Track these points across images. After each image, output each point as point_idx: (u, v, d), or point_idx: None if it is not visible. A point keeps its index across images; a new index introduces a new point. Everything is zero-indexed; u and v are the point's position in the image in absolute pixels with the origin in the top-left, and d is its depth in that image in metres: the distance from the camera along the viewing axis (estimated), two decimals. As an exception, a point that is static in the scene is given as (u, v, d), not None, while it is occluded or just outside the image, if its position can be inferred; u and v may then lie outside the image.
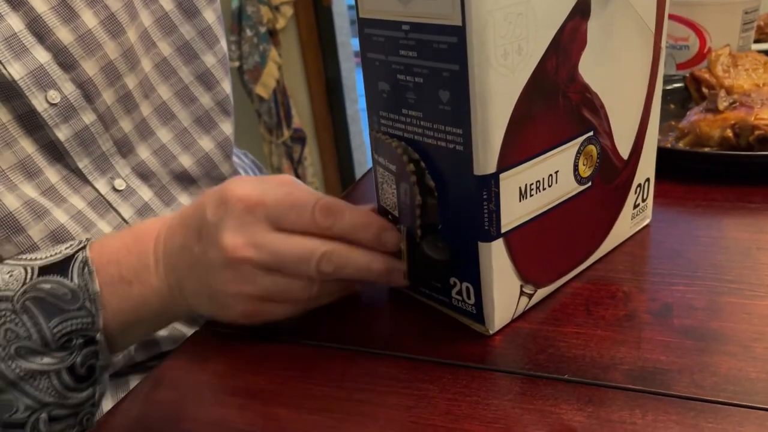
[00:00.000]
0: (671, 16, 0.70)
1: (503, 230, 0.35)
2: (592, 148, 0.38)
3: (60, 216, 0.49)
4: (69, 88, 0.48)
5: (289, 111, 2.22)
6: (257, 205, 0.36)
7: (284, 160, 2.24)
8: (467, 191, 0.34)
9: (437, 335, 0.38)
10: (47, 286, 0.37)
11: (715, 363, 0.33)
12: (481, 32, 0.30)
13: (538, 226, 0.36)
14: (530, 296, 0.38)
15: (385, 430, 0.31)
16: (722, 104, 0.53)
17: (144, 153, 0.55)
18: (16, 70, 0.45)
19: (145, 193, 0.55)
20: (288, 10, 2.12)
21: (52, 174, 0.49)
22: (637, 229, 0.46)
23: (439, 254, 0.35)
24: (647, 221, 0.46)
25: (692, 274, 0.40)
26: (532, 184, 0.35)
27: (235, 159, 0.66)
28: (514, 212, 0.35)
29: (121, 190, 0.53)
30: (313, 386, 0.35)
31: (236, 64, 2.10)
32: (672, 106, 0.66)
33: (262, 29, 2.07)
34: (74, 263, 0.38)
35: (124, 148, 0.53)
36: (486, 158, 0.32)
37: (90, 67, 0.49)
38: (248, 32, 2.08)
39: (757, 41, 0.78)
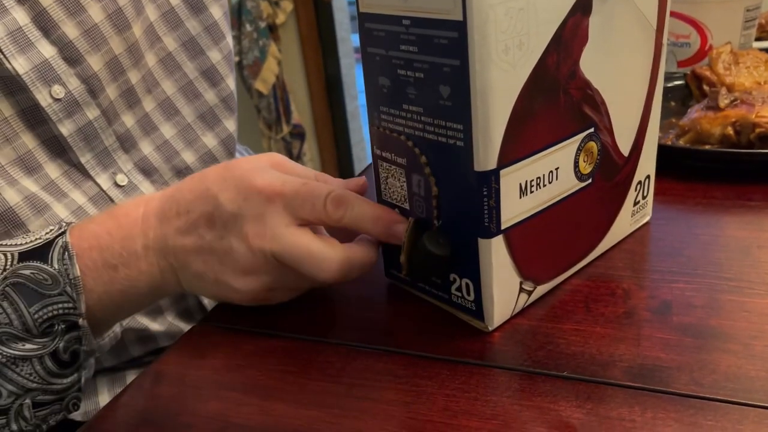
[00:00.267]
0: (672, 14, 0.70)
1: (503, 227, 0.34)
2: (593, 145, 0.38)
3: (60, 211, 0.48)
4: (74, 83, 0.48)
5: (288, 106, 2.21)
6: (276, 196, 0.37)
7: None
8: (467, 187, 0.33)
9: (436, 331, 0.38)
10: (27, 272, 0.37)
11: (714, 361, 0.33)
12: (482, 27, 0.30)
13: (538, 223, 0.36)
14: (530, 293, 0.38)
15: (383, 426, 0.31)
16: (723, 102, 0.53)
17: (147, 148, 0.55)
18: (20, 65, 0.45)
19: (147, 189, 0.55)
20: (288, 6, 2.11)
21: (53, 169, 0.49)
22: (637, 226, 0.45)
23: (440, 249, 0.35)
24: (647, 218, 0.46)
25: (692, 271, 0.40)
26: (533, 180, 0.35)
27: (237, 156, 0.65)
28: (514, 209, 0.35)
29: (123, 186, 0.53)
30: (311, 382, 0.35)
31: (236, 59, 2.09)
32: (672, 103, 0.66)
33: (262, 24, 2.07)
34: (54, 248, 0.38)
35: (127, 143, 0.53)
36: (486, 154, 0.32)
37: (95, 62, 0.49)
38: (248, 27, 2.07)
39: (758, 39, 0.78)
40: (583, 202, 0.39)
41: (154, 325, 0.55)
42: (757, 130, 0.51)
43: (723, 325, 0.35)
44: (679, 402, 0.31)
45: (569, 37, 0.34)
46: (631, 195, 0.43)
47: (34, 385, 0.38)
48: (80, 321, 0.38)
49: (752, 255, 0.41)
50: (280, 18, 2.10)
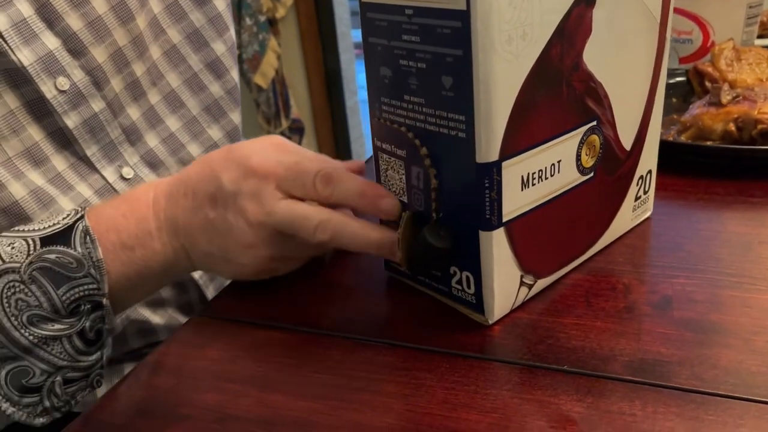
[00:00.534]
0: (675, 10, 0.70)
1: (504, 219, 0.34)
2: (595, 138, 0.38)
3: (66, 204, 0.48)
4: (78, 75, 0.48)
5: (287, 101, 2.21)
6: (271, 175, 0.39)
7: (282, 150, 2.23)
8: (469, 179, 0.33)
9: (435, 325, 0.37)
10: (52, 256, 0.38)
11: (715, 355, 0.33)
12: (486, 17, 0.30)
13: (539, 216, 0.36)
14: (530, 287, 0.38)
15: (382, 418, 0.31)
16: (725, 98, 0.53)
17: (152, 141, 0.55)
18: (25, 56, 0.45)
19: None
20: (288, 0, 2.10)
21: (59, 161, 0.49)
22: (638, 221, 0.45)
23: (441, 242, 0.35)
24: (648, 214, 0.46)
25: (693, 267, 0.40)
26: (535, 173, 0.35)
27: None
28: (515, 201, 0.34)
29: (129, 179, 0.53)
30: (310, 374, 0.35)
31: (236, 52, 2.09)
32: (674, 100, 0.65)
33: (262, 18, 2.06)
34: (75, 233, 0.39)
35: (133, 136, 0.53)
36: (489, 146, 0.32)
37: (99, 54, 0.49)
38: (248, 21, 2.06)
39: (760, 36, 0.78)
40: (584, 196, 0.39)
41: (155, 318, 0.55)
42: (759, 127, 0.51)
43: (724, 320, 0.35)
44: (680, 396, 0.30)
45: (573, 29, 0.34)
46: (633, 190, 0.43)
47: (64, 363, 0.39)
48: (104, 301, 0.40)
49: (753, 251, 0.41)
50: (280, 12, 2.10)
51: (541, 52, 0.32)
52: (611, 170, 0.40)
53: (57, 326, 0.38)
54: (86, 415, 0.34)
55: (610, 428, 0.29)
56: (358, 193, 0.38)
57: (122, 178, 0.52)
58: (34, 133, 0.47)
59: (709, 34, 0.70)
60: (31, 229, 0.39)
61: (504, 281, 0.36)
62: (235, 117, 0.61)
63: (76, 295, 0.38)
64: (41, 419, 0.40)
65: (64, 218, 0.40)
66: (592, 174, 0.39)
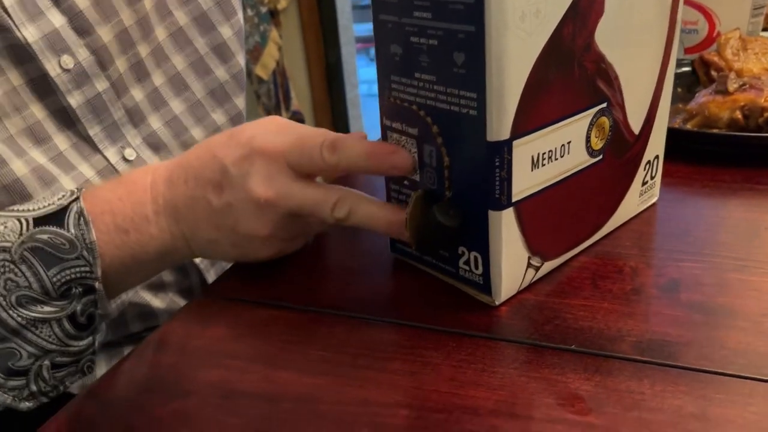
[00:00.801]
0: None
1: (514, 199, 0.34)
2: (605, 120, 0.38)
3: (68, 183, 0.48)
4: (83, 54, 0.47)
5: (288, 93, 2.20)
6: (278, 154, 0.38)
7: (282, 142, 2.23)
8: (479, 158, 0.33)
9: (441, 304, 0.37)
10: (44, 236, 0.37)
11: (723, 337, 0.33)
12: (500, -8, 0.29)
13: (548, 197, 0.36)
14: (537, 269, 0.38)
15: (389, 395, 0.31)
16: (732, 86, 0.53)
17: (156, 123, 0.54)
18: (30, 33, 0.45)
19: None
20: (290, -9, 2.10)
21: (62, 141, 0.48)
22: (645, 206, 0.45)
23: (450, 221, 0.35)
24: (654, 199, 0.46)
25: (699, 251, 0.40)
26: (545, 153, 0.35)
27: None
28: (525, 181, 0.34)
29: (131, 160, 0.52)
30: (315, 352, 0.35)
31: (236, 43, 2.08)
32: (679, 89, 0.65)
33: (263, 9, 2.05)
34: (69, 214, 0.38)
35: (136, 117, 0.53)
36: (500, 124, 0.32)
37: (105, 33, 0.48)
38: (249, 12, 2.06)
39: (765, 29, 0.77)
40: (593, 178, 0.38)
41: (156, 301, 0.55)
42: (766, 114, 0.51)
43: (732, 303, 0.35)
44: (688, 376, 0.30)
45: (585, 8, 0.34)
46: (640, 174, 0.43)
47: (53, 346, 0.38)
48: (97, 284, 0.39)
49: (760, 236, 0.41)
50: (282, 3, 2.09)
51: (554, 31, 0.32)
52: (620, 153, 0.40)
53: (47, 308, 0.37)
54: (89, 390, 0.34)
55: (618, 406, 0.29)
56: (367, 153, 0.37)
57: (124, 159, 0.52)
58: (37, 112, 0.47)
59: (714, 25, 0.70)
60: (25, 208, 0.39)
61: (512, 262, 0.36)
62: (240, 102, 0.61)
63: (68, 277, 0.38)
64: (27, 403, 0.39)
65: (59, 199, 0.39)
66: (600, 157, 0.38)
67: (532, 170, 0.34)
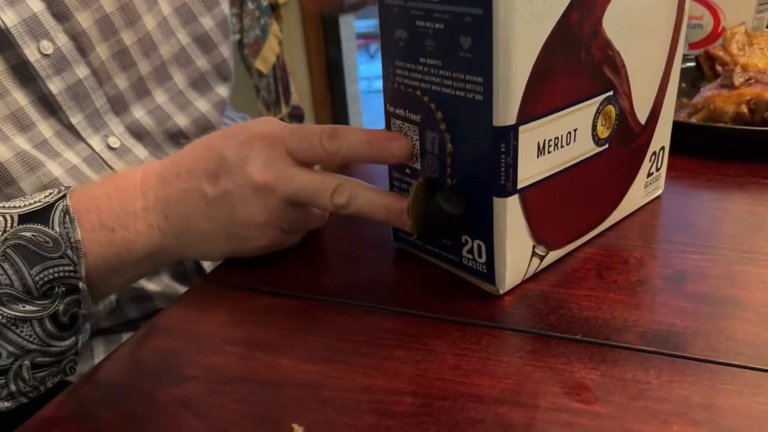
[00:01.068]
0: (686, -6, 0.69)
1: (519, 186, 0.34)
2: (611, 109, 0.37)
3: (54, 169, 0.47)
4: (62, 40, 0.47)
5: (288, 87, 2.19)
6: (277, 139, 0.38)
7: (282, 137, 2.22)
8: (485, 144, 0.33)
9: (445, 294, 0.37)
10: (28, 234, 0.37)
11: (730, 328, 0.32)
12: (509, -26, 0.29)
13: (553, 186, 0.35)
14: (542, 258, 0.37)
15: (392, 382, 0.30)
16: (738, 80, 0.53)
17: (138, 112, 0.54)
18: (9, 18, 0.44)
19: (140, 152, 0.54)
20: (291, -15, 2.09)
21: (45, 128, 0.48)
22: (650, 199, 0.45)
23: (454, 208, 0.34)
24: (659, 192, 0.46)
25: (705, 243, 0.40)
26: (551, 140, 0.34)
27: (227, 121, 0.65)
28: (531, 168, 0.34)
29: (116, 148, 0.52)
30: (317, 339, 0.34)
31: (237, 37, 2.07)
32: (683, 84, 0.65)
33: (264, 2, 2.04)
34: (55, 211, 0.38)
35: (118, 105, 0.52)
36: (506, 109, 0.31)
37: (84, 19, 0.48)
38: (250, 5, 2.05)
39: (769, 26, 0.77)
40: (598, 167, 0.38)
41: (150, 285, 0.55)
42: (772, 109, 0.50)
43: (738, 294, 0.35)
44: (695, 366, 0.30)
45: (594, -6, 0.33)
46: (646, 165, 0.43)
47: (34, 346, 0.38)
48: (80, 284, 0.38)
49: (766, 229, 0.41)
50: (283, -3, 2.08)
51: (562, 15, 0.32)
52: (626, 143, 0.40)
53: (28, 307, 0.37)
54: (89, 374, 0.34)
55: (624, 395, 0.29)
56: (366, 141, 0.37)
57: (109, 147, 0.51)
58: (19, 98, 0.46)
59: (719, 20, 0.69)
60: (11, 205, 0.38)
61: (516, 251, 0.35)
62: (222, 91, 0.60)
63: (50, 276, 0.37)
64: (6, 403, 0.38)
65: (46, 196, 0.39)
66: (606, 146, 0.38)
67: (537, 157, 0.34)
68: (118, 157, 0.52)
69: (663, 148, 0.44)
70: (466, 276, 0.38)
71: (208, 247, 0.41)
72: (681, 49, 0.42)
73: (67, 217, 0.37)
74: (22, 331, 0.37)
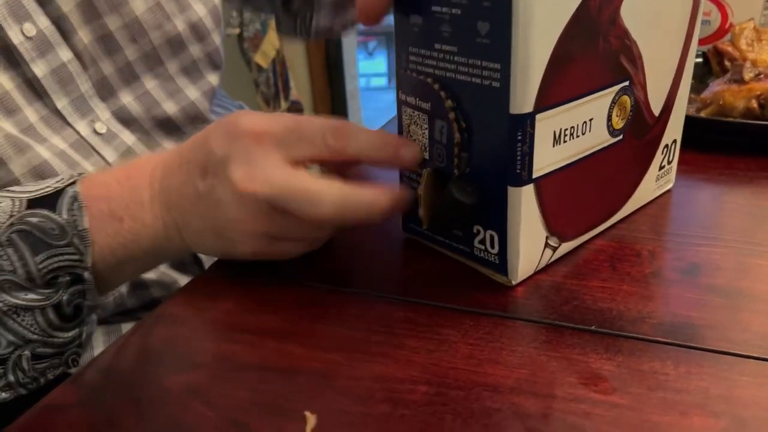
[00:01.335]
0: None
1: (535, 175, 0.33)
2: (627, 99, 0.37)
3: (42, 152, 0.47)
4: (44, 22, 0.47)
5: (287, 82, 2.19)
6: (265, 135, 0.34)
7: (280, 132, 2.21)
8: (501, 131, 0.32)
9: (456, 284, 0.37)
10: (34, 219, 0.36)
11: (746, 320, 0.32)
12: (530, -42, 0.28)
13: (568, 176, 0.35)
14: (554, 249, 0.37)
15: (406, 371, 0.30)
16: (748, 75, 0.52)
17: (126, 98, 0.53)
18: None
19: (128, 138, 0.53)
20: (292, -20, 2.08)
21: (31, 113, 0.47)
22: (661, 192, 0.45)
23: (467, 197, 0.34)
24: (670, 185, 0.45)
25: (718, 236, 0.39)
26: (567, 129, 0.34)
27: (219, 110, 0.64)
28: (546, 157, 0.33)
29: (102, 134, 0.51)
30: (328, 327, 0.34)
31: (236, 31, 2.06)
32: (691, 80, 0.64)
33: (265, -3, 2.03)
34: (63, 198, 0.37)
35: (104, 90, 0.52)
36: (524, 96, 0.31)
37: (65, 3, 0.48)
38: (250, -1, 2.04)
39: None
40: (611, 159, 0.38)
41: (148, 274, 0.54)
42: (783, 104, 0.50)
43: (753, 287, 0.34)
44: (712, 358, 0.30)
45: (613, -19, 0.33)
46: (658, 158, 0.42)
47: (35, 336, 0.37)
48: (86, 274, 0.37)
49: (779, 223, 0.40)
50: (284, -8, 2.07)
51: (581, 1, 0.31)
52: (639, 135, 0.39)
53: (30, 296, 0.36)
54: (95, 360, 0.33)
55: (642, 386, 0.28)
56: (376, 144, 0.35)
57: (95, 132, 0.51)
58: (5, 82, 0.46)
59: (727, 16, 0.69)
60: (22, 189, 0.37)
61: (529, 241, 0.35)
62: (213, 79, 0.60)
63: (55, 265, 0.36)
64: (4, 394, 0.37)
65: (56, 182, 0.38)
66: (621, 137, 0.38)
67: (553, 146, 0.33)
68: (105, 142, 0.51)
69: (675, 141, 0.43)
70: (477, 267, 0.37)
71: (204, 245, 0.39)
72: (695, 42, 0.41)
73: (76, 203, 0.36)
74: (23, 320, 0.36)
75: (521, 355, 0.31)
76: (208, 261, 0.57)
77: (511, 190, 0.33)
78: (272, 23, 2.06)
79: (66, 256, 0.36)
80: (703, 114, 0.54)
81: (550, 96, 0.32)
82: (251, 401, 0.29)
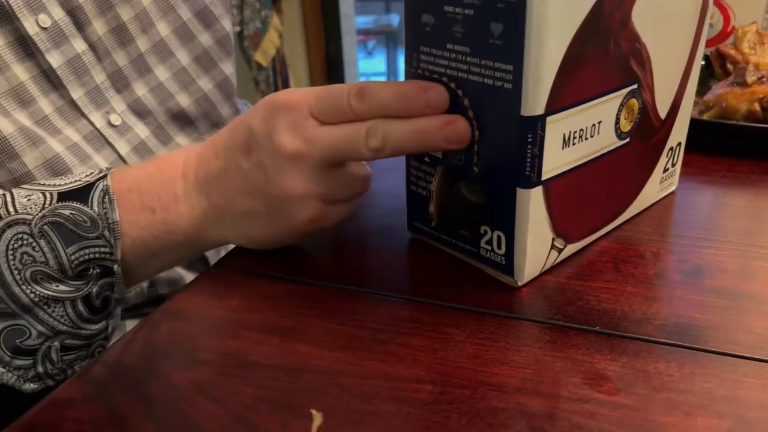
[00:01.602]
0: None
1: (544, 177, 0.33)
2: (635, 102, 0.37)
3: (56, 146, 0.47)
4: (59, 13, 0.47)
5: (287, 81, 2.18)
6: (302, 104, 0.36)
7: (279, 129, 2.21)
8: (511, 133, 0.32)
9: (462, 284, 0.37)
10: (66, 212, 0.36)
11: (750, 322, 0.32)
12: (543, -40, 0.29)
13: (576, 178, 0.35)
14: (560, 250, 0.37)
15: (411, 370, 0.30)
16: (750, 78, 0.53)
17: (140, 90, 0.54)
18: None
19: (142, 131, 0.53)
20: (292, -23, 2.08)
21: (46, 104, 0.48)
22: (664, 194, 0.45)
23: (477, 197, 0.34)
24: (673, 188, 0.46)
25: (721, 238, 0.40)
26: (576, 132, 0.34)
27: (240, 106, 0.64)
28: (555, 160, 0.33)
29: (117, 126, 0.52)
30: (335, 325, 0.34)
31: (237, 29, 2.06)
32: (693, 84, 0.65)
33: (266, -6, 2.03)
34: (95, 191, 0.37)
35: (119, 83, 0.52)
36: (536, 98, 0.31)
37: None
38: (251, -4, 2.03)
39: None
40: (618, 161, 0.38)
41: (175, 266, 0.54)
42: (786, 109, 0.50)
43: (757, 289, 0.35)
44: (716, 359, 0.30)
45: (623, -16, 0.33)
46: (662, 161, 0.42)
47: (65, 327, 0.37)
48: (115, 267, 0.37)
49: (782, 227, 0.41)
50: (284, -11, 2.07)
51: (595, 3, 0.31)
52: (645, 137, 0.40)
53: (62, 287, 0.36)
54: (102, 356, 0.33)
55: (647, 387, 0.28)
56: (398, 95, 0.34)
57: (110, 124, 0.51)
58: (20, 73, 0.46)
59: (730, 19, 0.69)
60: (52, 183, 0.38)
61: (536, 243, 0.35)
62: (227, 68, 0.60)
63: (86, 257, 0.36)
64: (32, 385, 0.38)
65: (87, 175, 0.38)
66: (627, 139, 0.38)
67: (563, 148, 0.34)
68: (119, 134, 0.51)
69: (680, 144, 0.44)
70: (483, 267, 0.37)
71: (250, 227, 0.39)
72: (703, 45, 0.41)
73: (107, 197, 0.37)
74: (54, 312, 0.36)
75: (526, 355, 0.31)
76: (213, 258, 0.57)
77: (520, 192, 0.33)
78: (273, 21, 2.06)
79: (96, 249, 0.37)
80: (705, 117, 0.55)
81: (561, 98, 0.32)
82: (257, 398, 0.29)
